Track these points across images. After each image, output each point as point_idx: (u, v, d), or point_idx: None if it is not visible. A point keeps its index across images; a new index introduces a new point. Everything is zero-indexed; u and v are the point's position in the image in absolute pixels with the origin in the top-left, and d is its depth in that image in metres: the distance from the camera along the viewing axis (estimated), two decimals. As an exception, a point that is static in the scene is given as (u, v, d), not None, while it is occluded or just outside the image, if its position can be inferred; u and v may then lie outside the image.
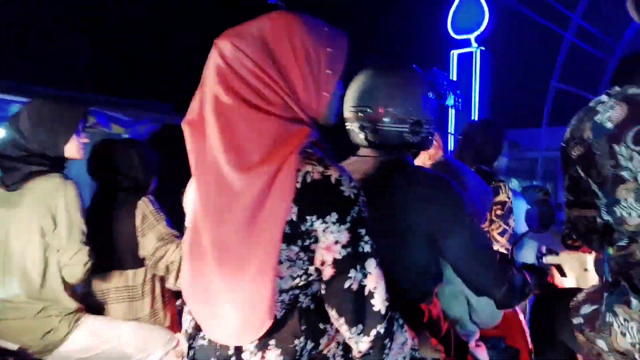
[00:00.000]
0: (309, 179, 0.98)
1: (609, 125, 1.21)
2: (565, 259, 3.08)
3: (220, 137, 0.97)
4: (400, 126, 1.46)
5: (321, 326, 1.05)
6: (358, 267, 0.99)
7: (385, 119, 1.45)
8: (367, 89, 1.47)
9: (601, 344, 1.25)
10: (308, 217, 0.97)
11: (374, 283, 1.01)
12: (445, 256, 1.41)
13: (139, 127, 5.79)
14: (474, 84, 7.20)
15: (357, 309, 0.99)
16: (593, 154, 1.24)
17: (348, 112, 1.51)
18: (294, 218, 0.97)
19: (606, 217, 1.26)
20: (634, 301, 1.20)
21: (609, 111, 1.22)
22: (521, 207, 2.86)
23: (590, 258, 3.06)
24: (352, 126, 1.53)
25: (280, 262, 0.98)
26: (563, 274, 1.91)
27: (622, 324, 1.21)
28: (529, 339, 2.01)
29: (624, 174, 1.18)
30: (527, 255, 2.97)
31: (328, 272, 1.00)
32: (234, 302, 0.98)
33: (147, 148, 2.30)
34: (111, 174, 2.18)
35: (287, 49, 1.01)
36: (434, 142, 1.95)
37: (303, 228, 0.98)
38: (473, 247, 1.38)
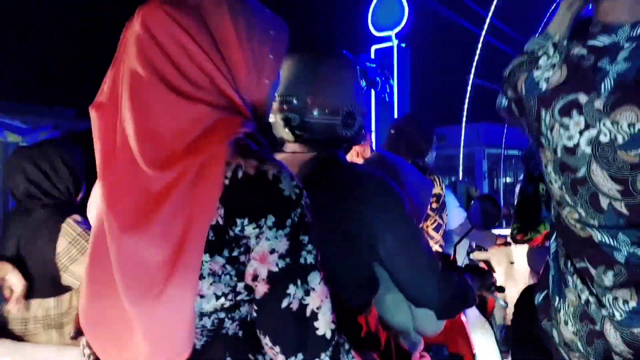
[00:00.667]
0: (240, 174, 0.84)
1: (544, 86, 1.10)
2: (493, 254, 3.12)
3: (135, 125, 0.82)
4: (331, 118, 1.35)
5: (251, 357, 0.90)
6: (299, 282, 0.85)
7: (314, 111, 1.34)
8: (292, 77, 1.35)
9: (554, 333, 1.17)
10: (238, 220, 0.82)
11: (318, 301, 0.87)
12: (383, 262, 1.31)
13: (38, 134, 5.38)
14: (394, 80, 7.32)
15: (297, 333, 0.85)
16: (524, 107, 1.14)
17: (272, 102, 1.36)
18: (220, 221, 0.82)
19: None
20: (570, 279, 1.11)
21: (550, 71, 1.11)
22: (452, 202, 2.85)
23: (516, 251, 3.13)
24: (276, 119, 1.39)
25: (202, 277, 0.83)
26: (491, 269, 1.84)
27: (566, 310, 1.12)
28: (472, 343, 1.96)
29: (544, 141, 1.10)
30: (459, 252, 2.95)
31: (262, 289, 0.85)
32: (142, 329, 0.83)
33: (73, 149, 1.96)
34: (27, 191, 1.87)
35: (229, 25, 0.89)
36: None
37: (231, 234, 0.83)
38: (414, 253, 1.30)
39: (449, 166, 10.66)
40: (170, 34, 0.85)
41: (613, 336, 1.06)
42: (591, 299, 1.07)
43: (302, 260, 0.85)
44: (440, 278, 1.33)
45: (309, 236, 0.87)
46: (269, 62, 0.95)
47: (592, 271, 1.06)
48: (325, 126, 1.35)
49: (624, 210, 1.01)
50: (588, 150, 1.03)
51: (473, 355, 1.97)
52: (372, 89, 1.48)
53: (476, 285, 1.50)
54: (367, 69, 1.45)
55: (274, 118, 1.39)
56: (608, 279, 1.04)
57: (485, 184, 11.64)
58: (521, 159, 1.42)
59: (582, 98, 1.04)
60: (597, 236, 1.05)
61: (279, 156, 1.40)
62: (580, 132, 1.04)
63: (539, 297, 1.23)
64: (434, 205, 2.47)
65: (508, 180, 11.63)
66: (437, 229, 2.49)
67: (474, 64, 7.22)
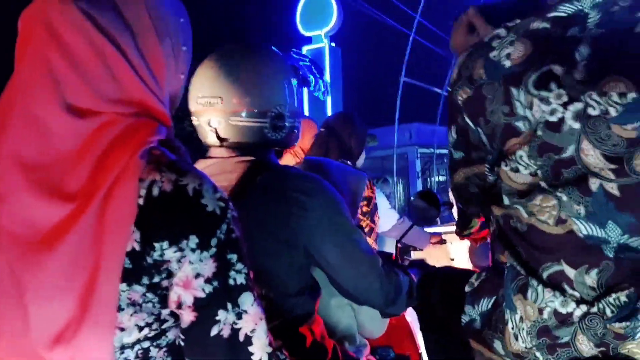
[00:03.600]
0: (156, 192, 0.76)
1: (508, 63, 0.99)
2: (430, 253, 3.17)
3: (22, 149, 0.74)
4: (260, 120, 1.30)
5: None
6: (229, 305, 0.79)
7: (242, 112, 1.28)
8: (218, 76, 1.29)
9: (497, 345, 1.09)
10: (156, 244, 0.76)
11: (252, 324, 0.81)
12: (322, 266, 1.29)
13: None
14: (326, 80, 7.34)
15: None
16: (483, 98, 1.03)
17: (195, 104, 1.32)
18: (137, 247, 0.75)
19: (493, 176, 1.08)
20: (529, 290, 1.04)
21: (508, 47, 1.00)
22: (384, 205, 2.86)
23: (454, 247, 3.19)
24: (200, 121, 1.32)
25: (121, 309, 0.76)
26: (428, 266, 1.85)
27: (517, 324, 1.03)
28: (418, 342, 1.96)
29: (519, 124, 0.99)
30: (387, 248, 3.00)
31: (188, 318, 0.79)
32: None
33: None
34: None
35: (146, 16, 0.81)
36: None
37: (149, 260, 0.76)
38: (354, 254, 1.29)
39: (383, 167, 10.86)
40: (83, 35, 0.76)
41: (586, 345, 0.97)
42: (566, 310, 0.97)
43: (231, 282, 0.79)
44: (382, 276, 1.31)
45: (238, 254, 0.81)
46: (182, 53, 0.88)
47: (571, 273, 0.96)
48: (252, 129, 1.30)
49: (615, 192, 0.92)
50: (576, 125, 0.93)
51: (419, 355, 1.97)
52: (305, 88, 1.44)
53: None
54: (299, 66, 1.41)
55: (197, 121, 1.32)
56: (591, 278, 0.95)
57: (419, 183, 11.95)
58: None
59: (557, 69, 0.94)
60: (581, 228, 0.95)
61: (203, 162, 1.33)
62: (564, 105, 0.94)
63: (482, 305, 1.14)
64: (365, 209, 2.42)
65: (441, 178, 11.98)
66: (369, 233, 2.46)
67: (405, 64, 7.38)
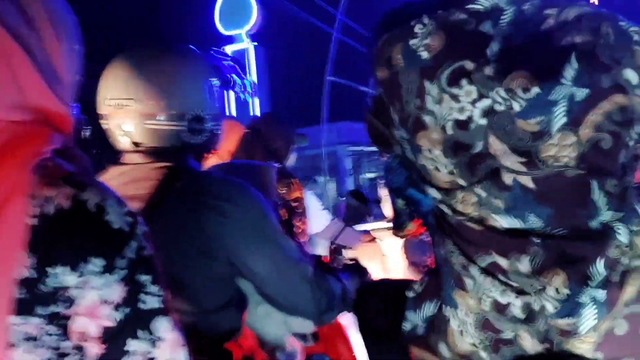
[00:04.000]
0: (51, 210, 0.68)
1: (425, 55, 0.99)
2: (362, 251, 3.17)
3: None
4: (177, 124, 1.23)
5: None
6: (141, 333, 0.71)
7: (157, 115, 1.21)
8: (129, 76, 1.21)
9: (442, 348, 1.06)
10: (53, 270, 0.67)
11: (168, 352, 0.74)
12: (248, 278, 1.24)
13: None
14: (252, 86, 7.25)
15: None
16: (399, 85, 1.02)
17: (103, 106, 1.24)
18: (30, 273, 0.66)
19: (410, 156, 1.07)
20: (468, 280, 1.00)
21: (427, 38, 0.99)
22: (314, 205, 2.82)
23: (387, 244, 3.20)
24: (111, 125, 1.23)
25: (13, 346, 0.67)
26: (362, 267, 1.85)
27: (461, 320, 1.02)
28: (353, 347, 1.94)
29: (427, 119, 0.99)
30: (320, 250, 2.93)
31: (94, 350, 0.71)
32: None
33: None
34: None
35: (42, 10, 0.75)
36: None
37: (46, 287, 0.67)
38: (282, 263, 1.24)
39: (314, 166, 10.89)
40: None
41: (529, 340, 0.98)
42: (504, 300, 0.98)
43: (143, 307, 0.71)
44: (313, 285, 1.27)
45: (151, 274, 0.73)
46: (76, 52, 0.81)
47: (504, 263, 0.97)
48: (169, 133, 1.22)
49: (531, 185, 0.94)
50: (483, 122, 0.95)
51: (354, 359, 1.95)
52: (229, 89, 1.39)
53: (354, 283, 1.47)
54: (221, 66, 1.35)
55: (107, 125, 1.23)
56: (524, 265, 0.96)
57: (350, 181, 12.08)
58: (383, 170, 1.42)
59: (469, 65, 0.96)
60: (503, 223, 0.97)
61: (116, 170, 1.24)
62: (473, 103, 0.95)
63: (425, 309, 1.12)
64: (295, 211, 2.40)
65: (371, 175, 12.16)
66: (300, 235, 2.42)
67: (329, 63, 7.40)
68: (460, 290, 1.02)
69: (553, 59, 0.92)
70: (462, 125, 0.96)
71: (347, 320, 1.94)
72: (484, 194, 0.97)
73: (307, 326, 1.72)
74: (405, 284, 1.23)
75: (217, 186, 1.22)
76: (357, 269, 1.62)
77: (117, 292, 0.69)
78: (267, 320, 1.61)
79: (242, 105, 6.69)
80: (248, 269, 1.21)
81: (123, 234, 0.71)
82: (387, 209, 3.06)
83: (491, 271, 0.98)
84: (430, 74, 0.98)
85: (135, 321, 0.71)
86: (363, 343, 1.41)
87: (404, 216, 1.42)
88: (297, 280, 1.26)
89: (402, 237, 1.56)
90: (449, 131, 0.97)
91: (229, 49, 7.36)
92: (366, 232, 3.18)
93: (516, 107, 0.92)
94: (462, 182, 0.99)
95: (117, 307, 0.69)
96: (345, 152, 12.04)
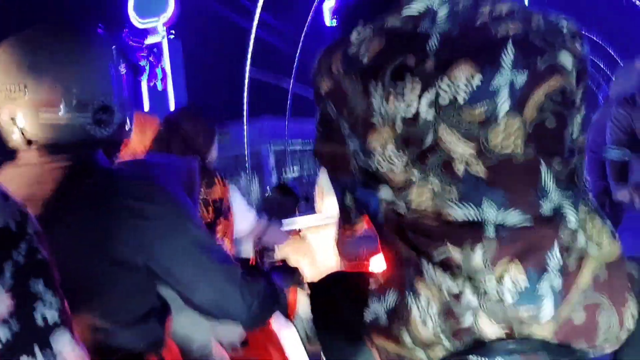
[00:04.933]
0: None
1: (365, 59, 1.03)
2: (291, 249, 3.11)
3: None
4: (79, 115, 1.09)
5: None
6: (37, 349, 0.65)
7: (55, 106, 1.07)
8: (20, 61, 1.06)
9: (405, 336, 1.07)
10: None
11: None
12: (171, 285, 1.14)
13: None
14: (166, 74, 7.02)
15: None
16: (344, 92, 1.05)
17: None
18: None
19: (363, 164, 1.09)
20: (426, 270, 1.02)
21: (365, 44, 1.04)
22: (239, 205, 2.70)
23: (315, 239, 3.16)
24: (1, 119, 1.09)
25: None
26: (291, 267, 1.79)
27: (423, 308, 1.03)
28: (284, 350, 1.88)
29: (375, 120, 1.02)
30: (246, 251, 2.84)
31: None
32: None
33: None
34: None
35: None
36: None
37: None
38: (208, 267, 1.15)
39: (236, 165, 10.72)
40: None
41: (488, 325, 1.00)
42: (457, 290, 1.00)
43: (38, 318, 0.64)
44: (243, 287, 1.19)
45: (45, 281, 0.65)
46: None
47: (457, 254, 0.99)
48: (71, 126, 1.08)
49: (482, 173, 0.98)
50: (430, 114, 0.98)
51: None
52: (140, 76, 1.28)
53: (286, 284, 1.41)
54: (128, 50, 1.23)
55: None
56: (477, 256, 0.98)
57: (274, 179, 11.99)
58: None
59: (411, 61, 0.99)
60: (458, 212, 0.99)
61: (11, 171, 1.10)
62: (418, 97, 0.98)
63: (388, 298, 1.12)
64: (218, 209, 2.26)
65: (295, 173, 12.14)
66: (225, 235, 2.29)
67: (249, 58, 7.27)
68: (421, 280, 1.03)
69: (491, 48, 0.98)
70: (411, 120, 0.99)
71: (279, 324, 1.88)
72: (438, 186, 0.99)
73: (235, 333, 1.64)
74: (362, 275, 1.23)
75: (131, 185, 1.10)
76: (286, 270, 1.54)
77: (4, 303, 0.61)
78: (192, 329, 1.51)
79: (157, 100, 6.42)
80: (170, 275, 1.11)
81: (10, 234, 0.63)
82: (319, 203, 3.00)
83: (445, 263, 1.00)
84: (372, 75, 1.01)
85: (29, 336, 0.64)
86: (321, 338, 1.39)
87: (354, 212, 1.43)
88: (225, 283, 1.17)
89: (350, 234, 1.56)
90: (399, 128, 1.00)
91: (144, 42, 7.07)
92: (292, 230, 3.11)
93: (461, 96, 0.96)
94: (416, 176, 1.01)
95: (5, 321, 0.61)
96: (269, 149, 11.95)
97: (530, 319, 0.99)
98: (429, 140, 0.99)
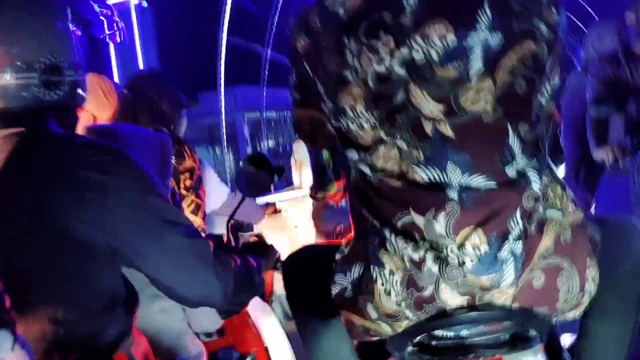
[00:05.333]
0: None
1: (342, 12, 1.04)
2: (269, 225, 3.03)
3: None
4: (26, 76, 0.99)
5: None
6: None
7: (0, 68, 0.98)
8: None
9: (370, 308, 1.09)
10: None
11: None
12: (137, 266, 1.06)
13: None
14: (135, 42, 6.77)
15: None
16: (320, 47, 1.06)
17: None
18: None
19: (336, 125, 1.10)
20: (391, 243, 1.04)
21: None
22: (211, 178, 2.56)
23: (294, 214, 3.08)
24: None
25: None
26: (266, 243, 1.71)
27: (386, 278, 1.05)
28: (261, 334, 1.83)
29: (348, 74, 1.03)
30: (219, 229, 2.67)
31: None
32: None
33: None
34: None
35: None
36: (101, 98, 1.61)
37: None
38: (176, 243, 1.06)
39: (211, 136, 10.50)
40: None
41: (450, 294, 1.03)
42: (418, 258, 1.02)
43: None
44: (217, 267, 1.11)
45: None
46: None
47: (420, 221, 1.01)
48: (16, 89, 0.99)
49: (450, 133, 0.99)
50: (402, 71, 1.00)
51: (265, 349, 1.83)
52: (96, 33, 1.18)
53: (262, 264, 1.33)
54: (78, 4, 1.13)
55: None
56: (440, 224, 1.00)
57: (249, 151, 11.81)
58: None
59: (387, 16, 1.00)
60: (423, 175, 1.01)
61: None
62: (391, 54, 1.00)
63: (354, 271, 1.13)
64: (188, 183, 2.12)
65: (270, 144, 11.98)
66: (195, 211, 2.14)
67: (224, 24, 7.02)
68: (384, 250, 1.05)
69: (467, 7, 1.00)
70: (383, 76, 1.01)
71: (255, 308, 1.82)
72: (405, 146, 1.01)
73: (211, 320, 1.56)
74: (332, 248, 1.23)
75: (90, 155, 1.01)
76: (261, 247, 1.47)
77: None
78: (164, 319, 1.43)
79: (126, 69, 6.19)
80: (135, 255, 1.03)
81: None
82: (296, 177, 2.90)
83: (407, 231, 1.03)
84: (348, 29, 1.03)
85: None
86: (294, 314, 1.37)
87: (328, 174, 1.44)
88: (198, 263, 1.08)
89: (320, 199, 1.59)
90: (370, 83, 1.01)
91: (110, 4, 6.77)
92: (269, 204, 3.02)
93: (434, 54, 0.99)
94: (384, 135, 1.03)
95: None
96: (243, 119, 11.74)
97: (492, 285, 1.01)
98: (399, 98, 1.00)
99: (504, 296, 1.03)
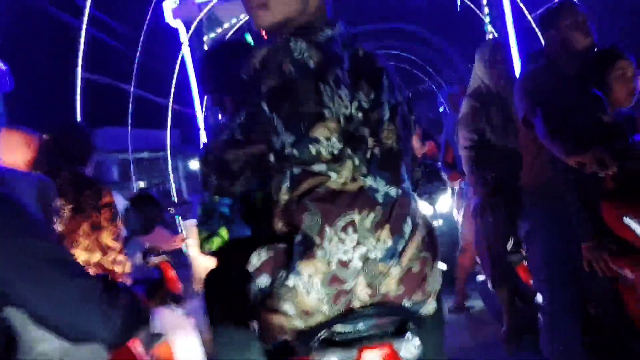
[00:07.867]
0: None
1: (311, 64, 1.35)
2: (194, 246, 3.23)
3: None
4: None
5: None
6: None
7: None
8: None
9: (288, 307, 1.31)
10: None
11: None
12: (21, 308, 1.07)
13: None
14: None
15: None
16: (295, 89, 1.33)
17: None
18: None
19: (290, 152, 1.34)
20: (319, 252, 1.30)
21: (306, 52, 1.35)
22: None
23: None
24: None
25: None
26: (171, 268, 1.81)
27: (304, 282, 1.29)
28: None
29: (326, 112, 1.32)
30: (135, 258, 2.99)
31: None
32: None
33: None
34: None
35: None
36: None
37: None
38: (61, 284, 1.08)
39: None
40: None
41: (362, 286, 1.35)
42: (347, 258, 1.30)
43: None
44: (104, 304, 1.14)
45: None
46: None
47: (356, 217, 1.32)
48: None
49: (379, 156, 1.38)
50: (359, 115, 1.38)
51: None
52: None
53: (151, 297, 1.33)
54: None
55: None
56: (369, 220, 1.33)
57: (119, 193, 11.30)
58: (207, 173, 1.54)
59: (340, 73, 1.36)
60: (367, 182, 1.36)
61: None
62: (351, 102, 1.37)
63: (269, 279, 1.33)
64: (107, 215, 2.55)
65: (142, 184, 11.56)
66: (116, 239, 2.56)
67: (80, 58, 6.63)
68: (307, 260, 1.30)
69: (375, 74, 1.45)
70: (348, 118, 1.36)
71: (170, 321, 1.84)
72: (357, 161, 1.36)
73: (95, 356, 1.48)
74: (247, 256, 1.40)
75: None
76: (152, 283, 1.47)
77: None
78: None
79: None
80: (19, 298, 1.04)
81: None
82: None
83: (346, 227, 1.31)
84: (321, 77, 1.34)
85: None
86: (212, 326, 1.53)
87: (215, 218, 1.65)
88: (83, 301, 1.11)
89: (207, 253, 1.67)
90: (342, 123, 1.35)
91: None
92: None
93: (366, 105, 1.39)
94: (349, 153, 1.36)
95: None
96: (115, 160, 11.27)
97: (386, 272, 1.34)
98: (360, 132, 1.37)
99: (392, 282, 1.36)
